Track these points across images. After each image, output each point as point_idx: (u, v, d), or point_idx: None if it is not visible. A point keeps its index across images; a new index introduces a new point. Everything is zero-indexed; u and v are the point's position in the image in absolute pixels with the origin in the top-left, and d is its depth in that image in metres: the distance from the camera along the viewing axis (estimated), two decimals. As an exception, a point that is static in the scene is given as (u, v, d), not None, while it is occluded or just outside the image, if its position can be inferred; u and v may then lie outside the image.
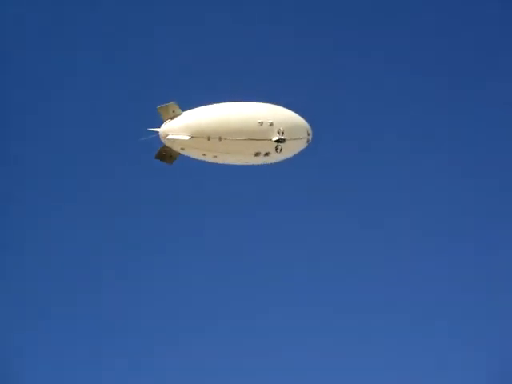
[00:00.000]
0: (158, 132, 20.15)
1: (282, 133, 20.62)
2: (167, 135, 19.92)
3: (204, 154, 20.28)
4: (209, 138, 19.89)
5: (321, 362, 32.07)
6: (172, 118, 20.03)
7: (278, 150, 20.70)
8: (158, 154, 20.41)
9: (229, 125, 20.01)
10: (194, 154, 20.33)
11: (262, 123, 20.33)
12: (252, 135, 20.23)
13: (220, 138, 19.94)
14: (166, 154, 20.37)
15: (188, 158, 20.69)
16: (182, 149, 20.15)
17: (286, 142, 20.70)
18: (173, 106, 20.03)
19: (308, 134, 21.66)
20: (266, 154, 20.70)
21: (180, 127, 19.94)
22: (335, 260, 34.11)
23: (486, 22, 38.29)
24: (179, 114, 20.07)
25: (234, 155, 20.47)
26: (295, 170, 24.78)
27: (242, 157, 20.61)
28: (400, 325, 33.38)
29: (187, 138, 19.72)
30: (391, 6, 38.52)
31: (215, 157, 20.41)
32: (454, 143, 36.93)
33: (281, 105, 21.41)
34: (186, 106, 20.36)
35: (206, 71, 32.31)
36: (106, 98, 33.54)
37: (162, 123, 20.18)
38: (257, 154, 20.58)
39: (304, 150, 22.02)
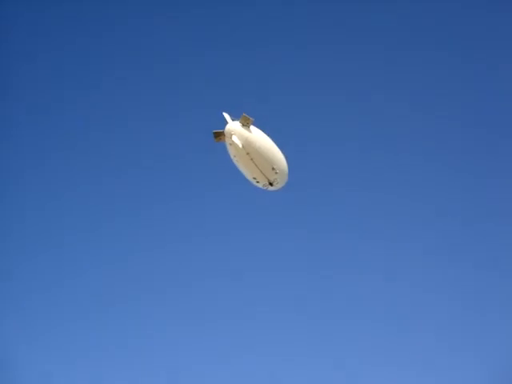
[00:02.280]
0: (227, 122, 28.43)
1: (277, 182, 30.00)
2: (232, 133, 28.17)
3: (234, 156, 28.86)
4: (247, 154, 28.60)
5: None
6: (243, 125, 28.34)
7: (265, 186, 30.02)
8: (216, 133, 28.59)
9: (261, 157, 29.04)
10: (231, 150, 28.83)
11: (273, 169, 29.49)
12: (263, 170, 29.42)
13: (251, 159, 28.76)
14: (218, 136, 28.59)
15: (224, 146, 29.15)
16: (230, 144, 28.59)
17: (273, 186, 30.23)
18: (250, 120, 28.45)
19: (281, 187, 31.28)
20: (257, 182, 29.93)
21: (242, 135, 28.35)
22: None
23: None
24: (248, 126, 28.41)
25: (245, 169, 29.47)
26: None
27: (247, 173, 29.64)
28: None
29: (240, 145, 28.19)
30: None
31: (237, 161, 29.07)
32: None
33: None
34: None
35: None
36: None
37: (235, 121, 28.58)
38: (254, 178, 29.77)
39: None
